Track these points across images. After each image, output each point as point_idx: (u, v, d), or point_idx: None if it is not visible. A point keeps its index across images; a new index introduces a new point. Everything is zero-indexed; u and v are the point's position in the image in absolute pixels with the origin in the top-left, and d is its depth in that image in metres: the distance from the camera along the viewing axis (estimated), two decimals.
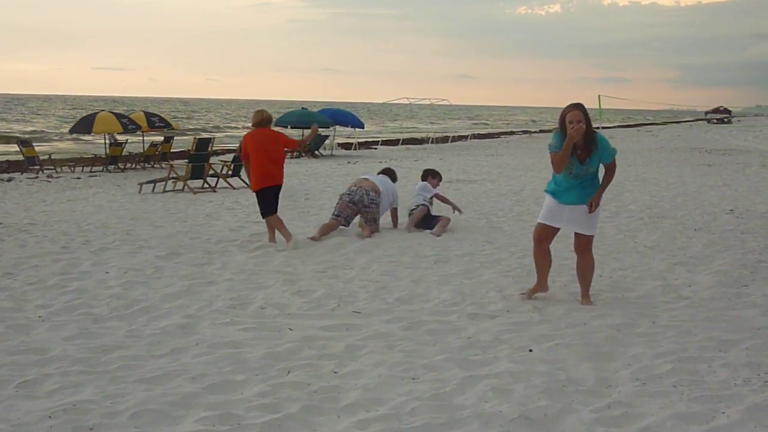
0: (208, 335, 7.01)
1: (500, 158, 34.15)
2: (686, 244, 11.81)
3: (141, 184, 20.24)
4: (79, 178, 26.48)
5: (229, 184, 20.43)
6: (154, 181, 20.40)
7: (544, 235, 8.30)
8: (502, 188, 19.88)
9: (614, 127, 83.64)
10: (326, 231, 12.20)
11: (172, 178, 20.16)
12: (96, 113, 30.15)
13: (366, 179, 12.92)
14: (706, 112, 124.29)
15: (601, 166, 8.06)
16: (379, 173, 13.51)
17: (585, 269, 8.29)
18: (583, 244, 8.22)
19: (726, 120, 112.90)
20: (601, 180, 8.11)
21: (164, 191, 19.81)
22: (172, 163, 22.99)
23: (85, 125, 29.55)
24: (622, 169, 26.86)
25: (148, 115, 31.83)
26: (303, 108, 39.18)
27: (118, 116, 29.86)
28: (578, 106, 7.79)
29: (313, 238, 11.83)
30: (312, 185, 20.93)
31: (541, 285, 8.48)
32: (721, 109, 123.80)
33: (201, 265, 10.09)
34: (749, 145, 46.57)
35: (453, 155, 36.52)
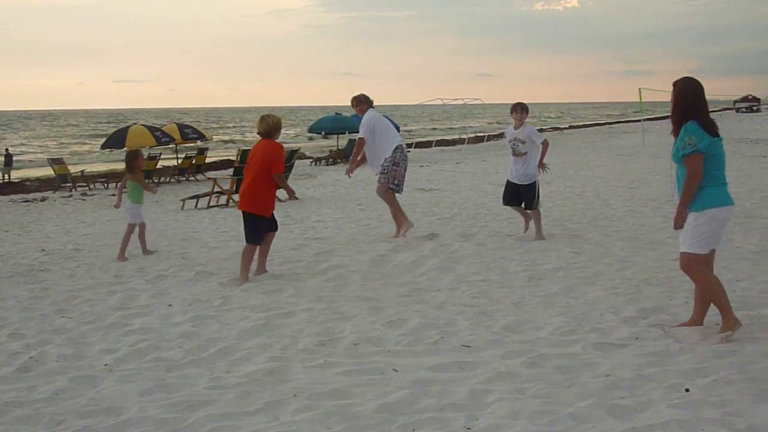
0: (303, 382, 6.03)
1: None
2: None
3: (183, 200, 19.35)
4: (113, 195, 25.67)
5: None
6: (197, 196, 19.53)
7: None
8: (563, 190, 18.79)
9: (655, 119, 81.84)
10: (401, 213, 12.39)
11: (217, 192, 19.26)
12: (128, 127, 29.40)
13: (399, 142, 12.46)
14: (735, 101, 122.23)
15: None
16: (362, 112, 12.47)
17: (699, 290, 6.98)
18: (680, 259, 6.91)
19: (755, 108, 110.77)
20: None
21: (208, 207, 18.92)
22: (215, 177, 22.13)
23: (117, 139, 28.80)
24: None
25: (181, 127, 31.08)
26: (337, 113, 38.25)
27: (151, 129, 29.10)
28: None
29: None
30: (361, 194, 19.93)
31: (727, 319, 6.74)
32: (750, 97, 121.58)
33: (271, 292, 9.12)
34: None
35: (493, 156, 35.45)
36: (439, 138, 56.31)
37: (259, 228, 9.88)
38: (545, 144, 11.91)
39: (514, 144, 11.85)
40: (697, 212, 6.65)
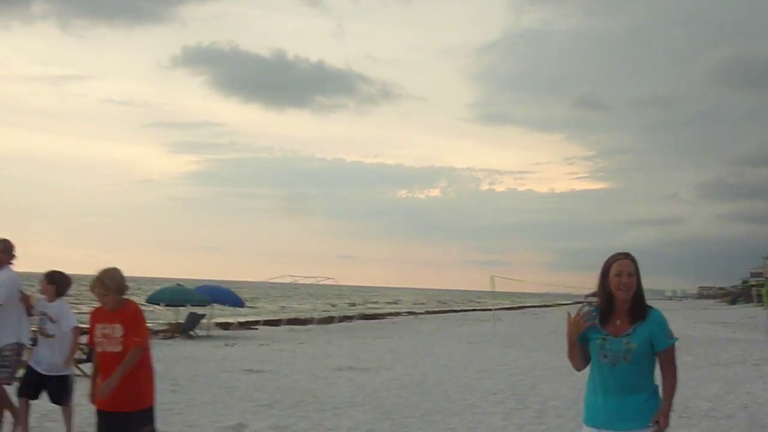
0: None
1: (391, 341, 31.83)
2: None
3: None
4: None
5: (82, 372, 17.29)
6: None
7: None
8: (401, 378, 17.36)
9: (502, 308, 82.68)
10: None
11: None
12: None
13: None
14: (586, 295, 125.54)
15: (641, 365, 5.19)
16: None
17: None
18: None
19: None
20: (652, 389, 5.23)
21: None
22: None
23: None
24: (524, 354, 24.84)
25: None
26: (178, 284, 36.34)
27: None
28: (629, 256, 5.25)
29: None
30: (180, 373, 17.99)
31: None
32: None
33: None
34: None
35: (340, 338, 34.00)
36: (291, 317, 54.59)
37: None
38: (75, 331, 9.38)
39: (41, 320, 9.36)
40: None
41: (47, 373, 9.25)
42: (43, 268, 9.52)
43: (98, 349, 7.04)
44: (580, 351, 5.26)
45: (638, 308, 5.15)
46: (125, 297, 7.14)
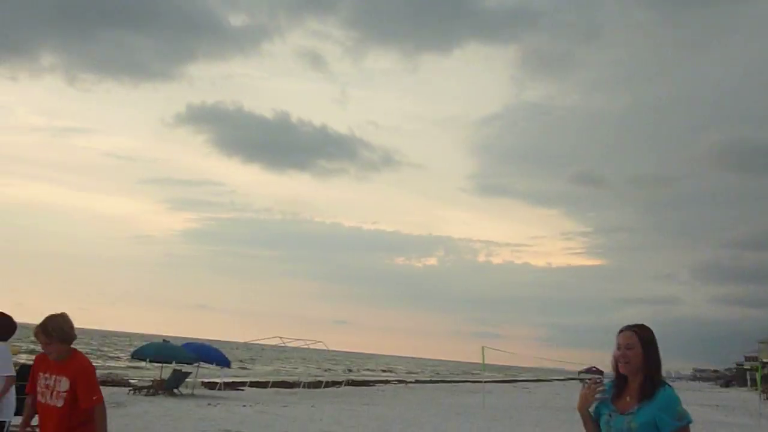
0: None
1: (377, 408, 31.30)
2: None
3: None
4: None
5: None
6: None
7: None
8: None
9: (492, 381, 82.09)
10: None
11: None
12: None
13: None
14: (579, 372, 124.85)
15: None
16: None
17: None
18: None
19: (598, 380, 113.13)
20: None
21: None
22: None
23: None
24: (511, 428, 24.35)
25: None
26: (165, 341, 35.84)
27: None
28: (633, 328, 4.94)
29: None
30: (157, 430, 17.56)
31: None
32: (594, 369, 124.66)
33: None
34: None
35: (326, 402, 33.46)
36: (279, 379, 53.92)
37: None
38: (9, 381, 8.59)
39: None
40: None
41: None
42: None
43: (40, 399, 6.54)
44: (593, 426, 4.96)
45: (647, 385, 4.77)
46: (72, 347, 6.59)
